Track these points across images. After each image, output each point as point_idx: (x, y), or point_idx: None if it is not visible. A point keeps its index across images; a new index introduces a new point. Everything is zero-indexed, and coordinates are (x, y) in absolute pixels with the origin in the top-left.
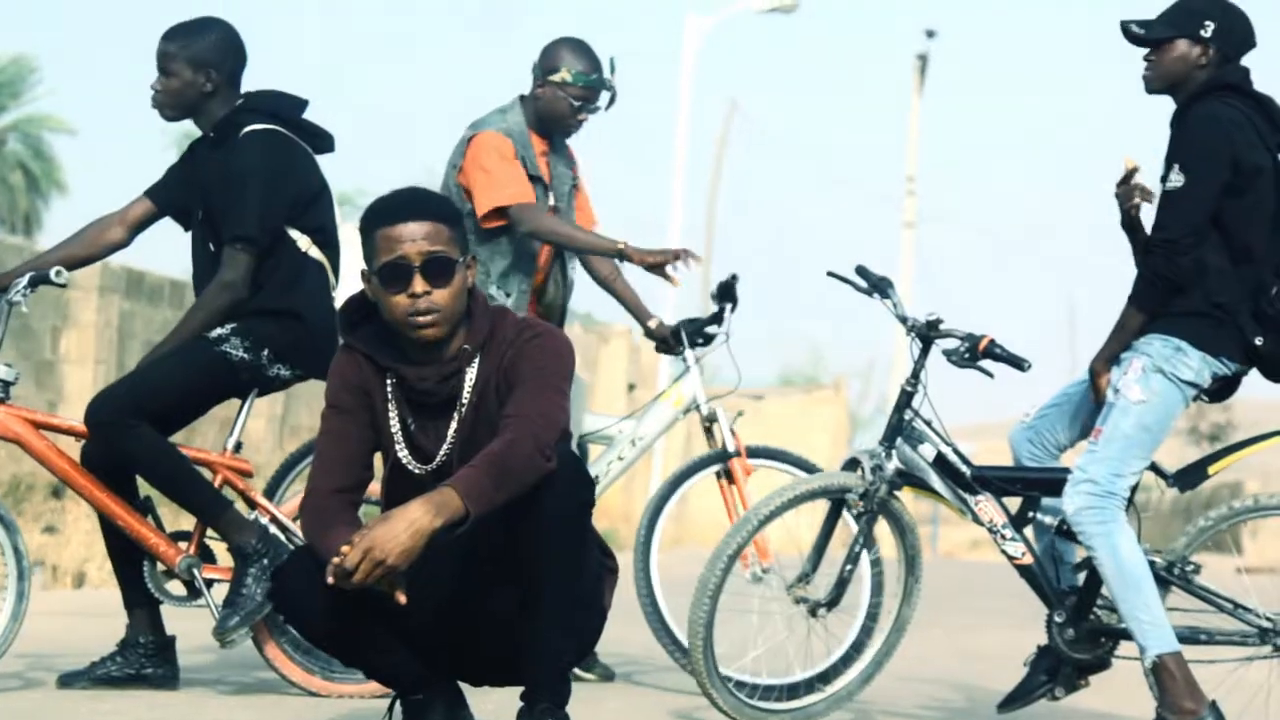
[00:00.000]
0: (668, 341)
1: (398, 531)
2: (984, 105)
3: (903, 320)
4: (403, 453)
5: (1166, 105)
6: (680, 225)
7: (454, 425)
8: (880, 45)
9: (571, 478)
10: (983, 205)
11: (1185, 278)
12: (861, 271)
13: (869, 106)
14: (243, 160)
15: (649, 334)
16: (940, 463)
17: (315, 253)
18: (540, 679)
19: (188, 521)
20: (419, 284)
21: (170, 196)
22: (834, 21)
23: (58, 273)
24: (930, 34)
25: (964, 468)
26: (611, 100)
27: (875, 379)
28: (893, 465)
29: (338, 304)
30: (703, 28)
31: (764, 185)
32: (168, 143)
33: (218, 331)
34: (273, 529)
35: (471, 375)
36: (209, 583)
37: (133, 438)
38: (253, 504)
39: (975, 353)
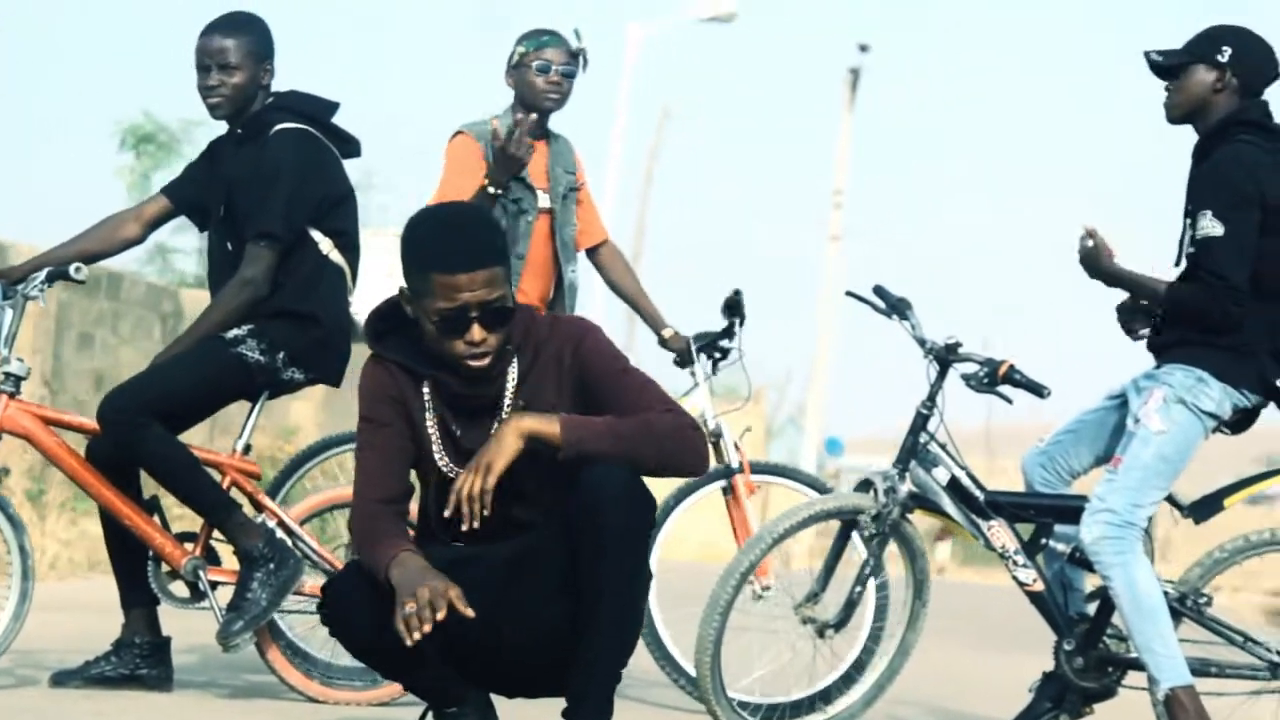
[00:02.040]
0: (683, 354)
1: (500, 435)
2: (915, 120)
3: (921, 343)
4: (443, 460)
5: (1086, 120)
6: (611, 231)
7: (497, 426)
8: (814, 58)
9: (633, 495)
10: (910, 220)
11: (1227, 323)
12: (879, 292)
13: (800, 118)
14: (273, 157)
15: (664, 344)
16: (954, 486)
17: (336, 256)
18: (588, 694)
19: (192, 522)
20: (477, 332)
21: (188, 194)
22: (770, 33)
23: (77, 269)
24: (864, 48)
25: (978, 492)
26: (585, 62)
27: (791, 390)
28: (906, 488)
29: (353, 309)
30: (641, 35)
31: (695, 194)
32: None
33: (234, 332)
34: (279, 533)
35: (512, 374)
36: (213, 585)
37: (144, 436)
38: (260, 507)
39: (995, 378)
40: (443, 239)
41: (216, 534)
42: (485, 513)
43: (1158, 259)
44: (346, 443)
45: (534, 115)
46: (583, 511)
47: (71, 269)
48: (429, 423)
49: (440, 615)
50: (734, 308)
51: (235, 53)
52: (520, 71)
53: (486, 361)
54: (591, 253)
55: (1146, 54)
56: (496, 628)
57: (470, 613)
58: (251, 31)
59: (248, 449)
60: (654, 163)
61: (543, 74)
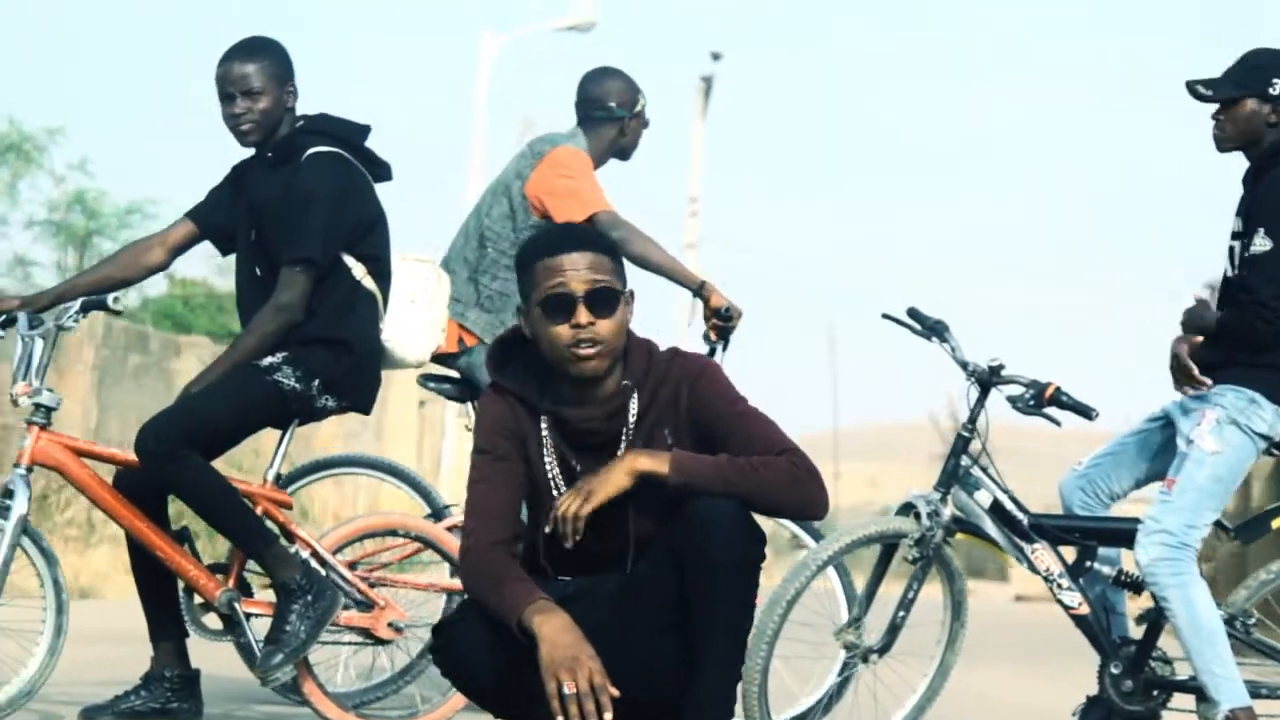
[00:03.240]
0: None
1: (610, 468)
2: (767, 128)
3: (963, 365)
4: (557, 496)
5: (935, 123)
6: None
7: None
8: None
9: (741, 530)
10: (764, 228)
11: (1264, 340)
12: (915, 314)
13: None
14: (308, 181)
15: None
16: (997, 509)
17: (369, 282)
18: None
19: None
20: (583, 314)
21: (214, 218)
22: (627, 41)
23: (115, 299)
24: (716, 56)
25: (1021, 515)
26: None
27: None
28: (949, 511)
29: (384, 335)
30: (498, 44)
31: None
32: None
33: (269, 360)
34: (313, 563)
35: (633, 410)
36: (248, 617)
37: (184, 467)
38: (292, 537)
39: (1041, 399)
40: (549, 231)
41: (249, 565)
42: (578, 537)
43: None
44: (334, 466)
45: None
46: (692, 547)
47: (109, 299)
48: (547, 458)
49: (607, 715)
50: (722, 332)
51: (258, 78)
52: (639, 121)
53: (595, 351)
54: None
55: (1190, 85)
56: (605, 665)
57: (615, 692)
58: (271, 55)
59: (279, 478)
60: None
61: (646, 128)
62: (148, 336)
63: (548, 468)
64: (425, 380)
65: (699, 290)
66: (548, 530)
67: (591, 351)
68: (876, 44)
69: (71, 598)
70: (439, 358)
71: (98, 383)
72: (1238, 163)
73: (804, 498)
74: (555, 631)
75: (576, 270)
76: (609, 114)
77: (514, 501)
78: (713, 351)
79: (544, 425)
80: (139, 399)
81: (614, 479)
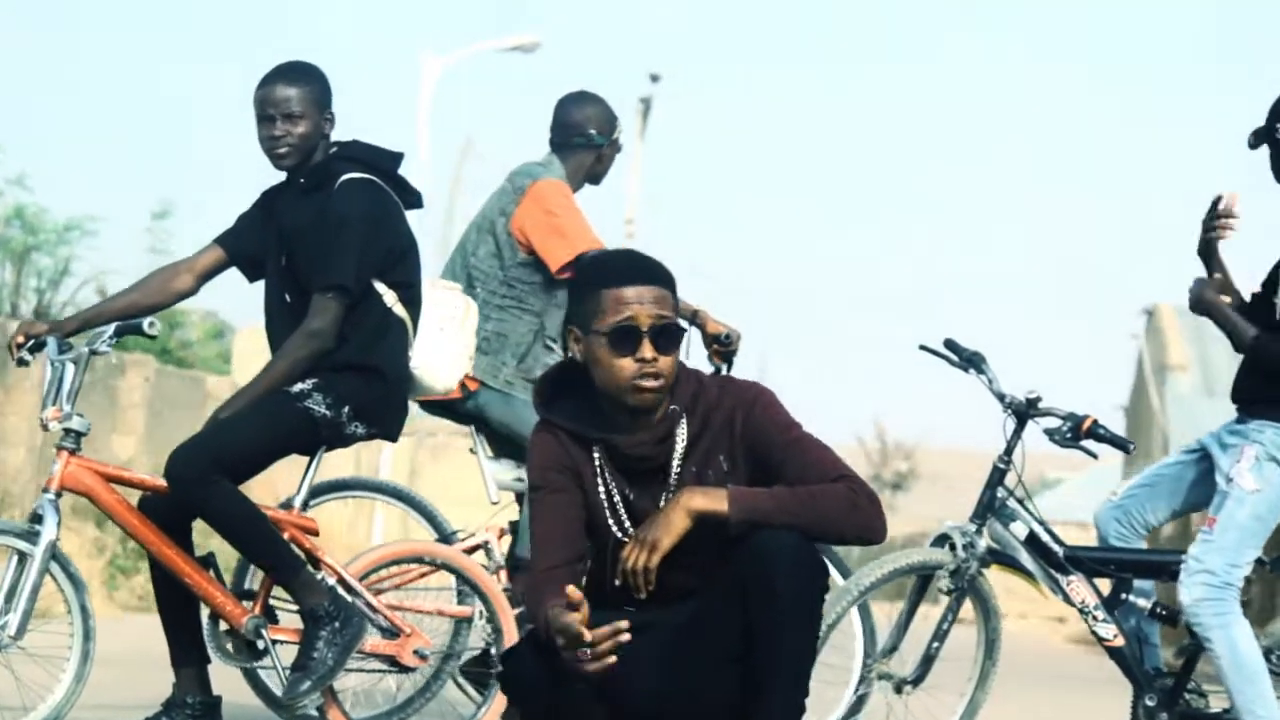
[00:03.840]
0: None
1: (667, 513)
2: (705, 150)
3: (1000, 397)
4: (614, 525)
5: (878, 147)
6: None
7: (670, 489)
8: (609, 87)
9: (804, 561)
10: (699, 250)
11: None
12: (952, 345)
13: None
14: (342, 208)
15: None
16: (1032, 541)
17: (399, 309)
18: None
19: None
20: (648, 349)
21: (242, 245)
22: (568, 61)
23: (150, 324)
24: (655, 78)
25: (1056, 547)
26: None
27: None
28: (984, 543)
29: (413, 363)
30: (440, 65)
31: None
32: None
33: (300, 386)
34: (340, 589)
35: (682, 436)
36: (274, 643)
37: (213, 493)
38: (318, 563)
39: (1078, 432)
40: (614, 257)
41: (276, 591)
42: (650, 587)
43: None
44: (341, 489)
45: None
46: (754, 579)
47: (144, 323)
48: (600, 488)
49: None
50: (726, 357)
51: (299, 102)
52: (613, 148)
53: (657, 385)
54: None
55: (1252, 141)
56: (666, 696)
57: (627, 634)
58: (313, 80)
59: (305, 504)
60: (457, 195)
61: (616, 155)
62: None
63: (601, 497)
64: (428, 407)
65: (693, 319)
66: (618, 584)
67: (654, 385)
68: (820, 66)
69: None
70: (443, 404)
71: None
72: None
73: (864, 523)
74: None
75: (643, 304)
76: (588, 141)
77: (573, 526)
78: (718, 373)
79: (596, 455)
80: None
81: (675, 523)
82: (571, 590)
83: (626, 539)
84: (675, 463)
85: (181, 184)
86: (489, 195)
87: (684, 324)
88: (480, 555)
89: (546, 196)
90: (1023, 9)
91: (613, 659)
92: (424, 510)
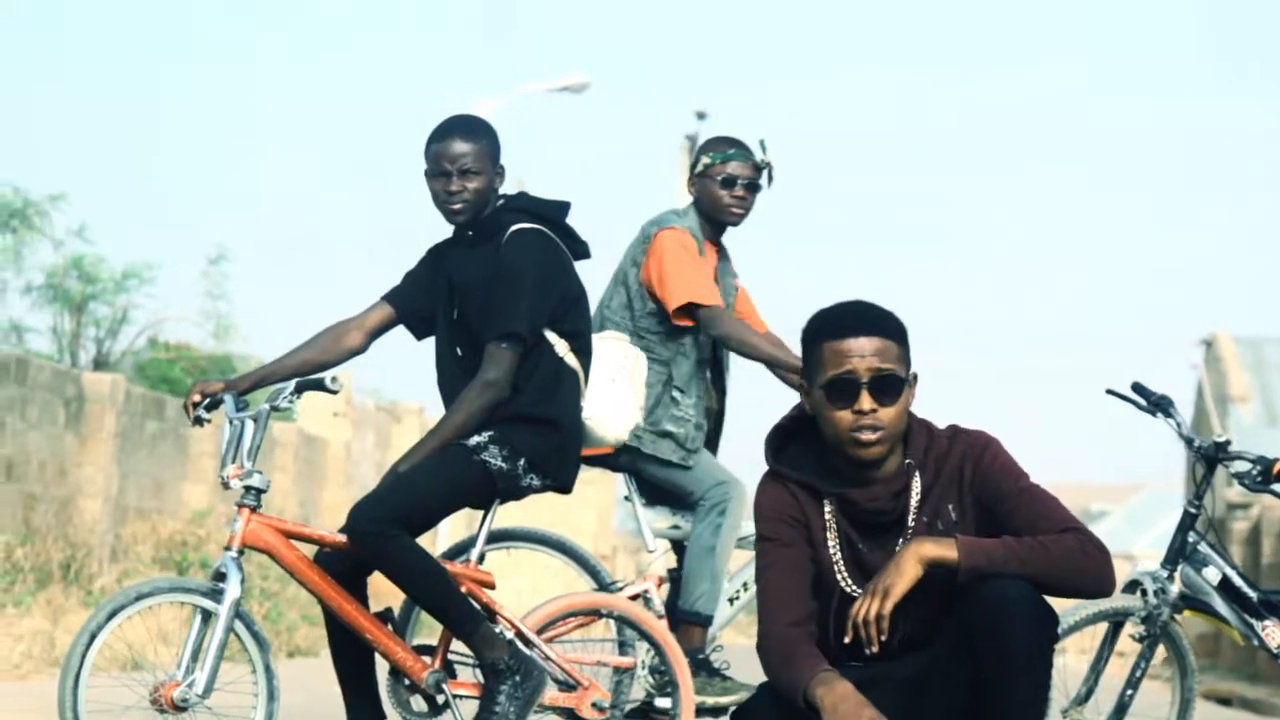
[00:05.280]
0: None
1: (898, 561)
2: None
3: (1188, 442)
4: (845, 580)
5: (919, 182)
6: None
7: (903, 542)
8: (657, 125)
9: (1035, 612)
10: (754, 287)
11: None
12: (1139, 389)
13: (641, 185)
14: (514, 258)
15: None
16: (1225, 586)
17: (571, 359)
18: None
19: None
20: (866, 401)
21: (411, 302)
22: (617, 101)
23: (333, 380)
24: (701, 115)
25: (1250, 592)
26: (770, 176)
27: None
28: (1176, 588)
29: (585, 413)
30: (491, 108)
31: None
32: None
33: (476, 439)
34: (518, 643)
35: (916, 490)
36: (455, 698)
37: (396, 547)
38: (496, 616)
39: (1269, 475)
40: (837, 310)
41: (454, 645)
42: (883, 637)
43: None
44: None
45: None
46: (986, 631)
47: (328, 379)
48: (831, 542)
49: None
50: None
51: (475, 158)
52: (704, 182)
53: (876, 438)
54: None
55: None
56: None
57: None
58: (487, 135)
59: (482, 557)
60: None
61: (728, 188)
62: (164, 403)
63: (832, 551)
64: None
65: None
66: (848, 639)
67: (873, 437)
68: (870, 101)
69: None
70: (599, 459)
71: (118, 450)
72: None
73: (1096, 574)
74: (838, 699)
75: (863, 356)
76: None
77: (804, 583)
78: None
79: (828, 508)
80: (156, 466)
81: (907, 570)
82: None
83: (857, 593)
84: (911, 516)
85: (237, 230)
86: (625, 246)
87: (904, 375)
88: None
89: (660, 245)
90: (1085, 42)
91: None
92: (585, 562)
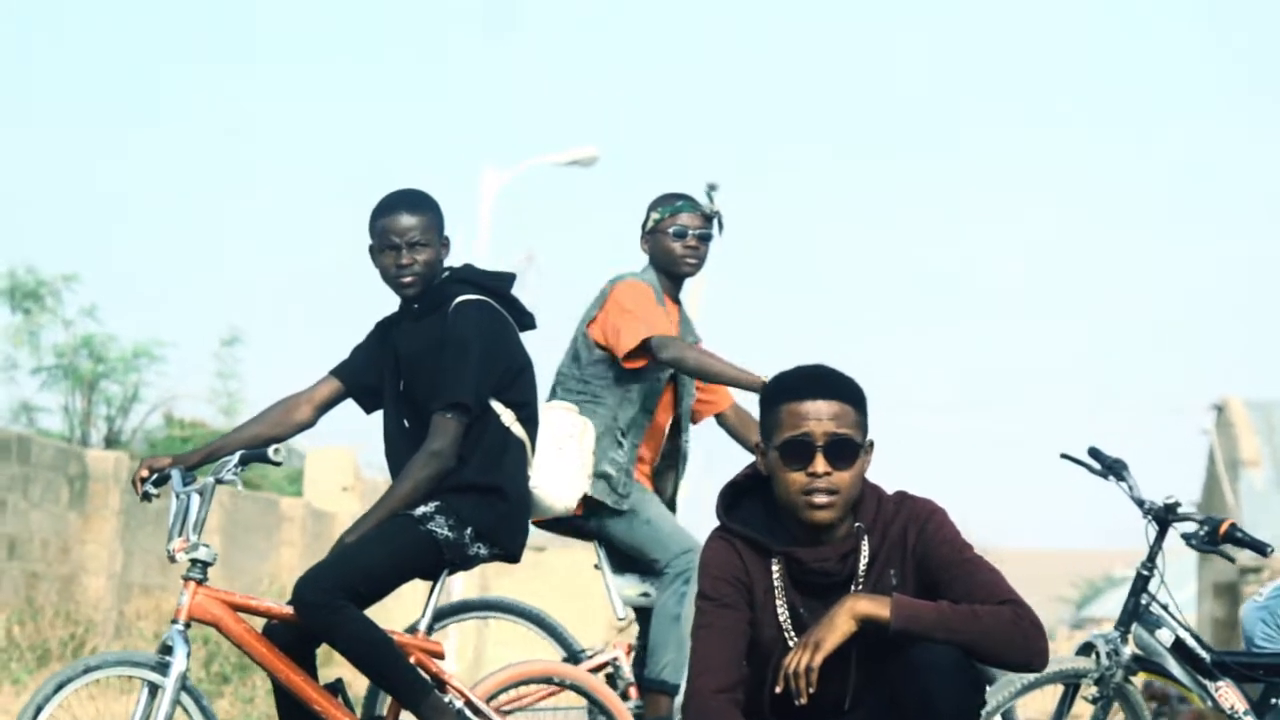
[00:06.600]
0: None
1: (832, 616)
2: (763, 257)
3: (1139, 504)
4: (791, 639)
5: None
6: None
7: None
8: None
9: (963, 677)
10: (757, 353)
11: None
12: (1094, 453)
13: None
14: (459, 327)
15: None
16: (1179, 648)
17: (518, 429)
18: None
19: None
20: (820, 464)
21: (359, 375)
22: (626, 175)
23: (275, 450)
24: (712, 187)
25: (1203, 653)
26: (720, 224)
27: None
28: (1129, 650)
29: (532, 483)
30: (500, 180)
31: (562, 336)
32: None
33: (422, 509)
34: (467, 712)
35: (865, 553)
36: None
37: (342, 619)
38: (444, 686)
39: (1216, 536)
40: (797, 373)
41: (404, 716)
42: (811, 690)
43: None
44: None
45: None
46: (914, 694)
47: (270, 451)
48: (778, 603)
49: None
50: None
51: (422, 230)
52: (655, 237)
53: (828, 501)
54: (720, 418)
55: None
56: None
57: None
58: (432, 208)
59: (431, 628)
60: None
61: (679, 239)
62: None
63: (778, 608)
64: (548, 525)
65: (762, 389)
66: (778, 690)
67: (825, 500)
68: (882, 165)
69: None
70: (564, 522)
71: (122, 526)
72: None
73: (1024, 647)
74: None
75: (819, 419)
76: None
77: (738, 650)
78: None
79: (775, 567)
80: (160, 542)
81: (839, 625)
82: None
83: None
84: (857, 580)
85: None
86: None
87: (860, 440)
88: (609, 673)
89: (618, 292)
90: (1086, 101)
91: None
92: (551, 629)
